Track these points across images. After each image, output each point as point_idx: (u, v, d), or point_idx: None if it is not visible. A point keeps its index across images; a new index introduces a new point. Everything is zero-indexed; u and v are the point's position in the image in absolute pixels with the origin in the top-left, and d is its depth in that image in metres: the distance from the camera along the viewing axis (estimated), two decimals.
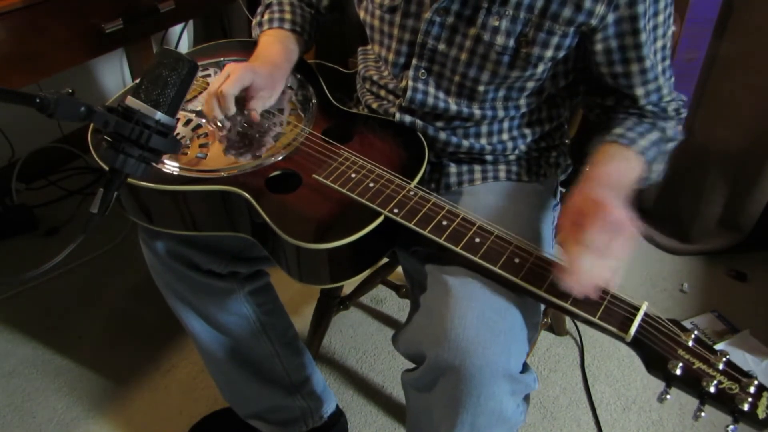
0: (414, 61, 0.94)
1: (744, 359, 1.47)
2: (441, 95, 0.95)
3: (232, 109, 0.89)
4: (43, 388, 1.41)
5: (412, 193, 0.83)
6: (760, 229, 1.74)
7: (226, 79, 0.87)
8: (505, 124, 0.97)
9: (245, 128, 0.96)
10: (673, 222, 1.84)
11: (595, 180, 0.81)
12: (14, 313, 1.58)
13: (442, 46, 0.91)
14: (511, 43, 0.86)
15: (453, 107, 0.94)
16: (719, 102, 1.62)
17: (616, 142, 0.86)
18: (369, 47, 1.08)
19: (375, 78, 1.04)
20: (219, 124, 0.94)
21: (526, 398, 0.85)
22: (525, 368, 0.80)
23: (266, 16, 1.07)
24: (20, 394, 1.39)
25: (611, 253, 0.69)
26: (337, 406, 1.27)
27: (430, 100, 0.95)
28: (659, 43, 0.87)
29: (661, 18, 0.85)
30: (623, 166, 0.85)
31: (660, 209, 1.88)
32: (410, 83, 0.94)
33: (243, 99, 0.92)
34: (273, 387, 1.16)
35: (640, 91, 0.89)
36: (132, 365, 1.46)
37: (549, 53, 0.86)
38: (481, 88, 0.91)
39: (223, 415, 1.32)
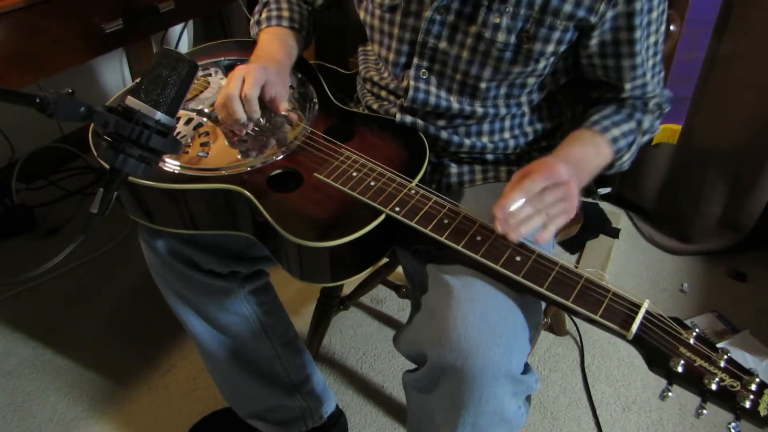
0: (415, 61, 0.94)
1: (744, 359, 1.47)
2: (443, 94, 0.94)
3: (258, 111, 0.89)
4: (43, 388, 1.40)
5: (413, 191, 0.82)
6: (760, 229, 1.74)
7: (243, 82, 0.87)
8: (507, 122, 0.97)
9: (257, 129, 0.95)
10: (673, 222, 1.84)
11: (557, 156, 0.84)
12: (14, 313, 1.58)
13: (443, 45, 0.91)
14: (513, 39, 0.86)
15: (455, 106, 0.94)
16: (719, 102, 1.62)
17: (590, 129, 0.89)
18: (369, 47, 1.08)
19: (375, 79, 1.04)
20: (239, 127, 0.92)
21: (528, 399, 0.85)
22: (526, 369, 0.80)
23: (264, 15, 1.07)
24: (20, 394, 1.39)
25: (543, 201, 0.74)
26: (337, 406, 1.27)
27: (432, 100, 0.94)
28: (652, 39, 0.89)
29: (654, 14, 0.86)
30: (590, 150, 0.88)
31: (660, 209, 1.88)
32: (412, 83, 0.94)
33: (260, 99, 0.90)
34: (273, 387, 1.16)
35: (627, 85, 0.91)
36: (132, 365, 1.45)
37: (551, 48, 0.86)
38: (483, 85, 0.91)
39: (223, 415, 1.32)
